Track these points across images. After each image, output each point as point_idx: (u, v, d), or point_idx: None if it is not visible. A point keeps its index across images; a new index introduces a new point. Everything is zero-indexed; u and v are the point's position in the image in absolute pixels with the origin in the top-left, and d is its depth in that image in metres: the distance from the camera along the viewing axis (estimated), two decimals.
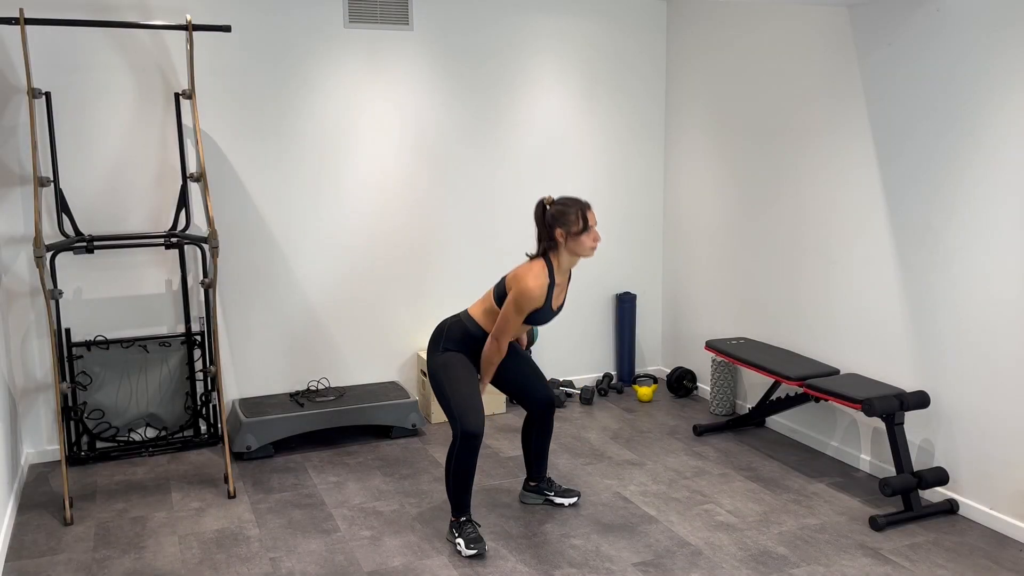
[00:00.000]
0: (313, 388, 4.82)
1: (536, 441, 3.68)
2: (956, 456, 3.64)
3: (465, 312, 3.45)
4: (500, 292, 3.33)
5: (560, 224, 3.22)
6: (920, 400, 3.64)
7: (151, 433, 4.50)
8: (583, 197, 5.31)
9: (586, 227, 3.22)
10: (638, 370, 5.72)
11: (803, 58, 4.31)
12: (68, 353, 4.23)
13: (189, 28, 3.96)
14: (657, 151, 5.52)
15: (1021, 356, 3.33)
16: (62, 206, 4.14)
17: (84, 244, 4.02)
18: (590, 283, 5.47)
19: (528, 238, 5.21)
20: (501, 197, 5.13)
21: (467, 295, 5.11)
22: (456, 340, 3.39)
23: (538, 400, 3.60)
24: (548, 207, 3.26)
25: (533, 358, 4.99)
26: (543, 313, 3.32)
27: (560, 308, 3.43)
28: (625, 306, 5.46)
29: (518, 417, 4.96)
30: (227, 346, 4.64)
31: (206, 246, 4.40)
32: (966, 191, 3.48)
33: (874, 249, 3.96)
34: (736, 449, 4.41)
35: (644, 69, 5.39)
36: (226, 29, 4.06)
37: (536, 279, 3.22)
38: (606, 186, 5.39)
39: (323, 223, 4.74)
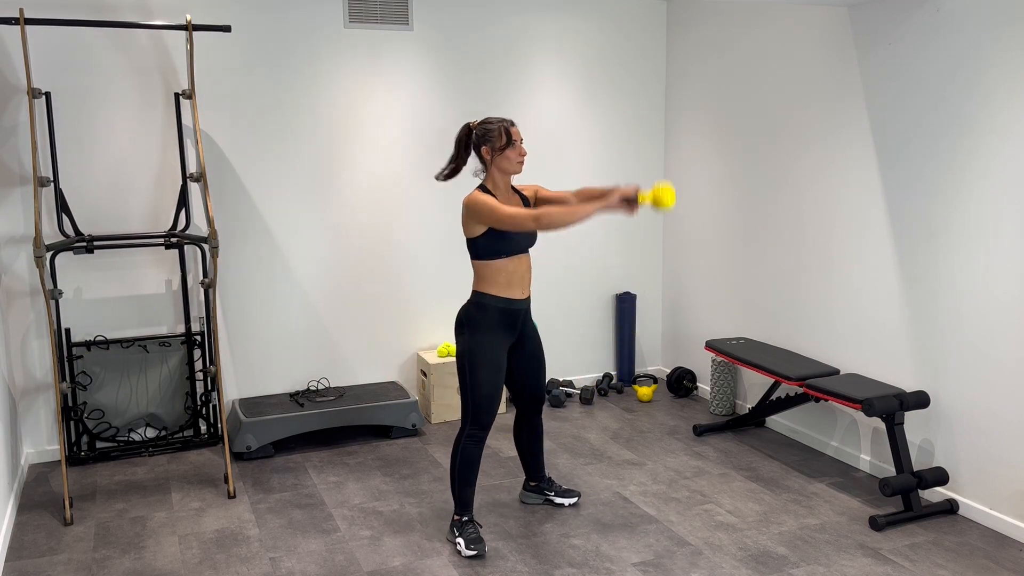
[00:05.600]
0: (313, 388, 4.82)
1: (527, 443, 3.68)
2: (956, 456, 3.64)
3: (472, 291, 3.42)
4: (470, 246, 3.34)
5: (486, 142, 3.29)
6: (920, 400, 3.64)
7: (151, 433, 4.50)
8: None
9: (510, 142, 3.28)
10: (638, 370, 5.72)
11: (803, 58, 4.31)
12: (68, 353, 4.23)
13: (189, 28, 3.96)
14: (657, 151, 5.52)
15: (1021, 356, 3.33)
16: (62, 206, 4.14)
17: (84, 244, 4.02)
18: (590, 283, 5.47)
19: None
20: None
21: (466, 295, 5.11)
22: (476, 318, 3.34)
23: (528, 391, 3.57)
24: (474, 129, 3.33)
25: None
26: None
27: None
28: (625, 306, 5.46)
29: None
30: (227, 346, 4.64)
31: (206, 246, 4.40)
32: (966, 191, 3.48)
33: (874, 249, 3.96)
34: (736, 449, 4.41)
35: (644, 70, 5.39)
36: (226, 29, 4.06)
37: (477, 193, 3.25)
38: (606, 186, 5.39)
39: (323, 223, 4.74)
